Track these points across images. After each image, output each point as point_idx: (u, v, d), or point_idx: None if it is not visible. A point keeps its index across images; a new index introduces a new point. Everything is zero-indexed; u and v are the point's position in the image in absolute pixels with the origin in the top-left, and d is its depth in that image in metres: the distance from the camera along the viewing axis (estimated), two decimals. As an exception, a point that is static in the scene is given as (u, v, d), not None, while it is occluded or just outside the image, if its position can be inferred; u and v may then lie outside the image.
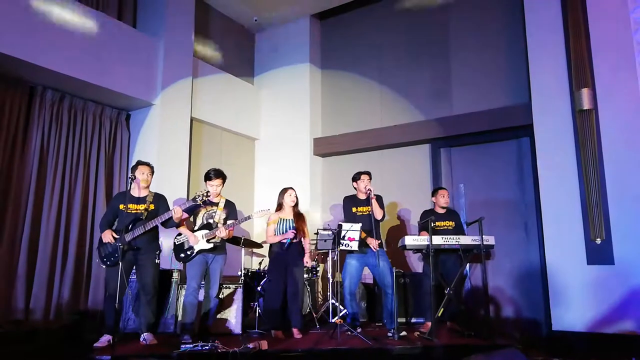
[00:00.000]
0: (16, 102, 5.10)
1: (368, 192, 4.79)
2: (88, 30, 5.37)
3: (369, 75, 7.33)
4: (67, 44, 5.13)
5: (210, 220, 4.47)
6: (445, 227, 5.21)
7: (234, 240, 5.40)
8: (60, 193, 5.38)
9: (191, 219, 4.54)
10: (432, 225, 4.71)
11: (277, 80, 7.91)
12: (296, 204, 4.91)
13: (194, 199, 4.26)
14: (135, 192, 4.39)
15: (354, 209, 4.96)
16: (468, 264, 5.52)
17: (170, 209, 4.30)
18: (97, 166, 5.81)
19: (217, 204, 4.55)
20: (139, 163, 4.45)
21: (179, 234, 4.48)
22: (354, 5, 7.46)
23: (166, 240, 5.03)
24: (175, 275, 5.00)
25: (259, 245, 6.06)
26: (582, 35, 5.31)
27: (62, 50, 5.07)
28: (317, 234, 5.59)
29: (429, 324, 4.99)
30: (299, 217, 4.88)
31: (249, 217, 4.58)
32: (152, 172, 4.46)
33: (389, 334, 4.62)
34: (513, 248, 5.81)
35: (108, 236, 4.21)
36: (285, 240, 4.67)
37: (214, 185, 4.50)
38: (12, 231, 4.98)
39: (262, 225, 6.40)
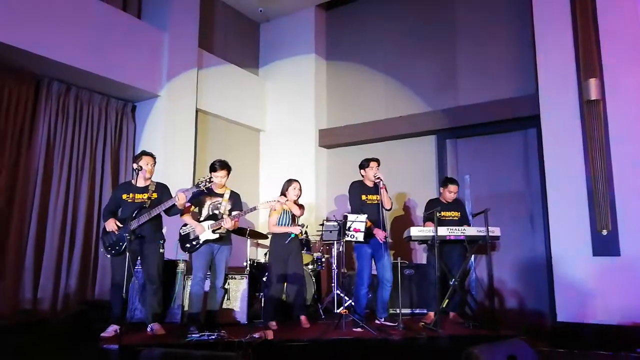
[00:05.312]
0: (23, 94, 5.12)
1: (378, 180, 4.71)
2: (93, 22, 5.36)
3: (374, 66, 7.29)
4: (73, 35, 5.13)
5: (216, 211, 4.49)
6: (451, 218, 5.20)
7: (240, 231, 5.42)
8: (66, 184, 5.42)
9: (196, 210, 4.56)
10: (438, 214, 4.69)
11: (282, 72, 7.89)
12: (298, 197, 4.90)
13: (197, 185, 4.32)
14: (138, 182, 4.44)
15: (363, 197, 4.80)
16: (473, 255, 5.51)
17: (173, 196, 4.32)
18: (103, 157, 5.85)
19: (222, 195, 4.56)
20: (144, 153, 4.49)
21: (185, 225, 4.50)
22: (359, -5, 7.44)
23: (171, 231, 5.04)
24: (182, 265, 5.02)
25: (265, 236, 6.07)
26: (591, 24, 5.24)
27: (68, 42, 5.08)
28: (322, 225, 5.59)
29: (432, 314, 5.00)
30: (300, 206, 4.89)
31: (254, 208, 4.59)
32: (155, 163, 4.52)
33: (377, 321, 4.69)
34: (518, 239, 5.79)
35: (111, 225, 4.26)
36: (290, 233, 4.68)
37: (219, 176, 4.51)
38: (20, 222, 5.03)
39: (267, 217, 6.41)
